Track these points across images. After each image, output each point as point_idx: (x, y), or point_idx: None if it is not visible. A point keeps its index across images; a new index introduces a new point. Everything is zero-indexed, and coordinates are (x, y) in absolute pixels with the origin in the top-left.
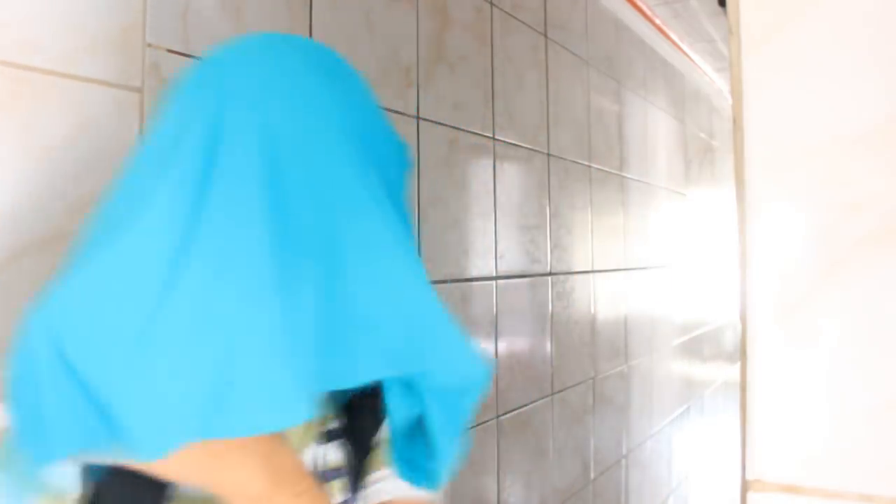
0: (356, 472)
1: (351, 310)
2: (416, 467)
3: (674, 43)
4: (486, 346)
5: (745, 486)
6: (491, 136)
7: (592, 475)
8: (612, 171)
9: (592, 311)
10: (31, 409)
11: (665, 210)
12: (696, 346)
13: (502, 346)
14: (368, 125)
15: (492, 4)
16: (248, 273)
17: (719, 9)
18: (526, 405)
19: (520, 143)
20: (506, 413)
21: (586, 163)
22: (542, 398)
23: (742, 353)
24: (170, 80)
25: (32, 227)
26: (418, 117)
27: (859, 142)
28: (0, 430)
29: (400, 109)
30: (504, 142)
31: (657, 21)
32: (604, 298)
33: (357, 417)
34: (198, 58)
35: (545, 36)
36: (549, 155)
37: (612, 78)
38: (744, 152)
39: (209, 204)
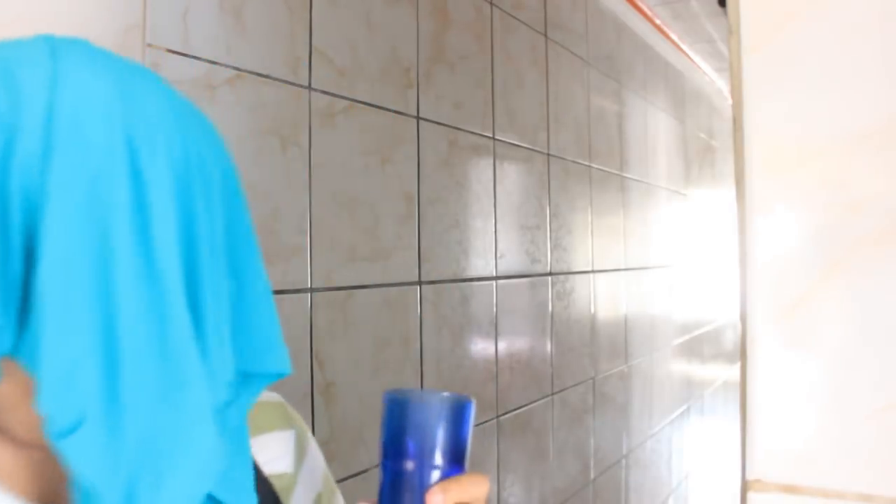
0: None
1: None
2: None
3: (674, 43)
4: (486, 346)
5: (745, 486)
6: (491, 136)
7: (592, 475)
8: (613, 171)
9: (592, 311)
10: None
11: (665, 210)
12: (696, 346)
13: (502, 346)
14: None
15: (492, 4)
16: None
17: (719, 9)
18: (526, 405)
19: (520, 143)
20: (506, 413)
21: (586, 163)
22: (542, 398)
23: (742, 354)
24: (170, 80)
25: None
26: (418, 117)
27: (859, 142)
28: None
29: (400, 109)
30: (504, 142)
31: (657, 21)
32: (604, 298)
33: None
34: (194, 58)
35: (545, 36)
36: (549, 155)
37: (613, 78)
38: (744, 152)
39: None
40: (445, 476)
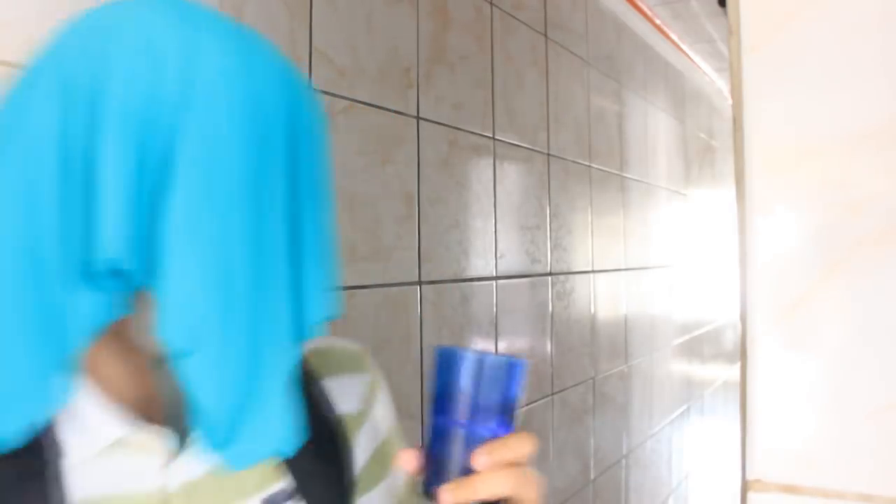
0: None
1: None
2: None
3: (674, 43)
4: (486, 346)
5: (745, 486)
6: (491, 136)
7: (592, 475)
8: (613, 171)
9: (592, 311)
10: None
11: (665, 210)
12: (696, 346)
13: (502, 346)
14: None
15: (492, 4)
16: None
17: (719, 9)
18: (526, 405)
19: (520, 143)
20: None
21: (586, 163)
22: (542, 398)
23: (742, 354)
24: None
25: None
26: (418, 117)
27: (859, 142)
28: None
29: (400, 109)
30: (504, 142)
31: (657, 21)
32: (604, 298)
33: (306, 479)
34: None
35: (545, 36)
36: (549, 155)
37: (613, 78)
38: (744, 152)
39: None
40: (494, 434)
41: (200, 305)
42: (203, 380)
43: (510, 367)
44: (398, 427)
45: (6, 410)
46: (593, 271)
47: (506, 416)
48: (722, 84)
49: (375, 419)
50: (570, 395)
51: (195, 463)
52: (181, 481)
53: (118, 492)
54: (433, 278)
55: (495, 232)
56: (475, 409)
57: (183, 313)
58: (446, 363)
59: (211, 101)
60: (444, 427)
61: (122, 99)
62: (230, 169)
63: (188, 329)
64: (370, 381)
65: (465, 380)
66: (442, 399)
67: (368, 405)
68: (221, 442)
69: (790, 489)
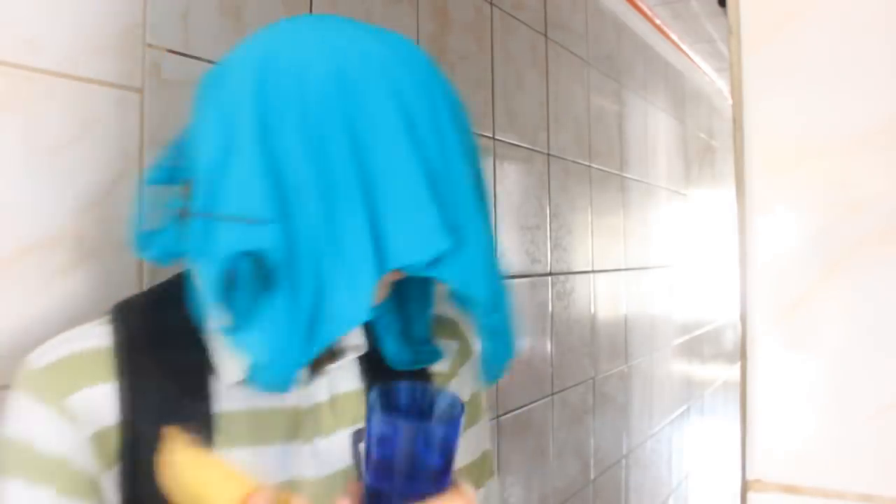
0: None
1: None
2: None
3: (674, 43)
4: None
5: (745, 486)
6: (491, 136)
7: (592, 475)
8: (613, 171)
9: (592, 311)
10: None
11: (665, 210)
12: (696, 346)
13: None
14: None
15: (492, 4)
16: None
17: (719, 9)
18: (526, 405)
19: (520, 143)
20: (506, 413)
21: (586, 163)
22: (542, 398)
23: (742, 354)
24: (170, 80)
25: (34, 227)
26: None
27: (860, 142)
28: None
29: None
30: (504, 142)
31: (657, 21)
32: (604, 298)
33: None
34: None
35: (545, 36)
36: (549, 155)
37: (613, 78)
38: (744, 152)
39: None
40: (429, 492)
41: (494, 279)
42: (502, 322)
43: (449, 420)
44: (484, 394)
45: (292, 357)
46: (593, 271)
47: (441, 475)
48: (722, 84)
49: (462, 380)
50: (570, 395)
51: (320, 390)
52: (310, 403)
53: (259, 407)
54: None
55: (495, 232)
56: (409, 473)
57: (487, 282)
58: (378, 417)
59: (459, 123)
60: (377, 488)
61: (405, 129)
62: (481, 169)
63: (490, 294)
64: (461, 347)
65: (400, 441)
66: (372, 458)
67: (457, 367)
68: (502, 368)
69: (790, 489)
